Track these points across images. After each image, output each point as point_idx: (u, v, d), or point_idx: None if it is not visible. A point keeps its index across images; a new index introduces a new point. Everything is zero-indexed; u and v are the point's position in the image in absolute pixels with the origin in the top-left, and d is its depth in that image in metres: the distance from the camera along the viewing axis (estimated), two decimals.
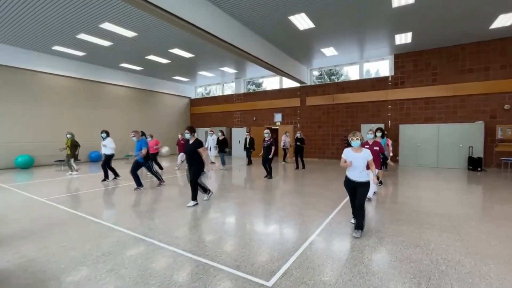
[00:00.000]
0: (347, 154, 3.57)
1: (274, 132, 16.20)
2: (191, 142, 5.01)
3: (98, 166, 9.92)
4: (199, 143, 4.93)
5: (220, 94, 18.18)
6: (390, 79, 11.77)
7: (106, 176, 7.67)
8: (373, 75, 12.76)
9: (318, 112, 13.72)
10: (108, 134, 7.88)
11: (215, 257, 2.89)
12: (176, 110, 18.36)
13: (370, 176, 3.64)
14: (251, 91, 16.81)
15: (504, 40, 9.49)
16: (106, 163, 7.68)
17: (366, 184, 3.50)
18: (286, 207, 4.93)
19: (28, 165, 10.57)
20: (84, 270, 2.62)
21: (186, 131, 5.07)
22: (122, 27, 8.53)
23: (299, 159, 10.25)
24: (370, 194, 5.15)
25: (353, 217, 3.91)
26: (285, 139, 12.01)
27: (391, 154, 8.76)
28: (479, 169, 9.41)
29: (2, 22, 8.15)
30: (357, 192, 3.52)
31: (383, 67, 12.47)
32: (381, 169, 6.00)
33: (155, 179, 7.14)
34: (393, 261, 2.79)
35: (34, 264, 2.76)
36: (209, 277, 2.49)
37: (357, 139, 3.51)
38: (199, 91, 19.57)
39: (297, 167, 10.22)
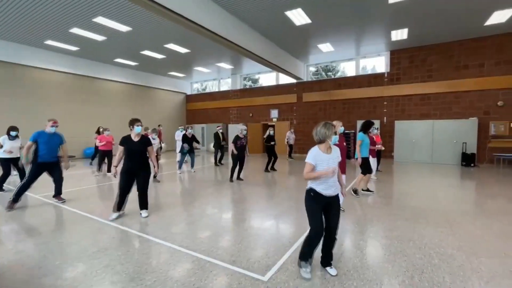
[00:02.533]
0: (318, 156, 2.37)
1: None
2: (137, 139, 4.00)
3: (93, 163, 9.80)
4: (148, 141, 4.12)
5: (216, 90, 18.09)
6: (386, 75, 11.81)
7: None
8: (369, 72, 12.79)
9: (315, 108, 13.73)
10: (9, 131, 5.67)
11: (211, 252, 2.90)
12: (172, 106, 18.21)
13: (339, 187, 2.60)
14: (247, 87, 16.74)
15: (499, 36, 9.56)
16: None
17: (338, 199, 2.52)
18: (285, 201, 4.96)
19: None
20: (80, 266, 2.62)
21: (139, 124, 4.00)
22: (116, 22, 8.38)
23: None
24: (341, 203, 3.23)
25: (321, 261, 2.54)
26: (289, 135, 12.12)
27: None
28: (472, 165, 9.54)
29: None
30: (330, 213, 2.42)
31: (379, 64, 12.50)
32: (365, 173, 5.29)
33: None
34: (387, 255, 2.83)
35: (31, 260, 2.74)
36: (205, 272, 2.50)
37: (335, 132, 2.43)
38: (195, 87, 19.43)
39: (268, 170, 8.67)
